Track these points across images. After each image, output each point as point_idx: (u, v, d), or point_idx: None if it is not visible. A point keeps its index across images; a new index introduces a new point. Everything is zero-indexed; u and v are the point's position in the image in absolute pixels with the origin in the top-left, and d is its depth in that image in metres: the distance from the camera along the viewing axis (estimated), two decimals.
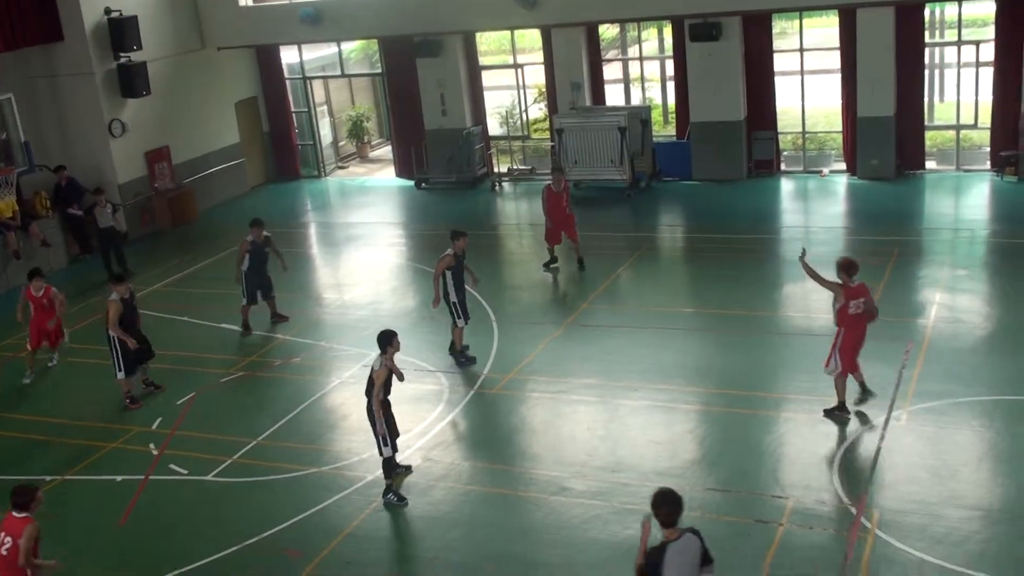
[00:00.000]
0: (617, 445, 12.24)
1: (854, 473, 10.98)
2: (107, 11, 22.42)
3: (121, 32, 22.43)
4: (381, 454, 11.39)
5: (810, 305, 15.61)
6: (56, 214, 21.82)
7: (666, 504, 7.22)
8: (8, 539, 8.76)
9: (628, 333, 15.30)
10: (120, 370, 14.35)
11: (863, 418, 12.06)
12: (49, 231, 21.35)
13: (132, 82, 22.72)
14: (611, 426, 12.76)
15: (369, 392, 11.22)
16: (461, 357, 14.84)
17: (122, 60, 22.71)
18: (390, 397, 11.33)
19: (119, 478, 12.61)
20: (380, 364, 11.12)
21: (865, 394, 12.14)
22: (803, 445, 11.79)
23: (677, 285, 17.99)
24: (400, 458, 11.88)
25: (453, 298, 14.54)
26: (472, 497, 11.48)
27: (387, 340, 11.18)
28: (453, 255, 14.41)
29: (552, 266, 18.32)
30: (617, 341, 15.04)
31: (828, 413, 12.19)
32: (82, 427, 14.06)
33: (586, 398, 13.44)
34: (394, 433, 11.39)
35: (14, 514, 8.88)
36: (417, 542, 10.85)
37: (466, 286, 14.74)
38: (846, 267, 11.72)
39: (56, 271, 21.33)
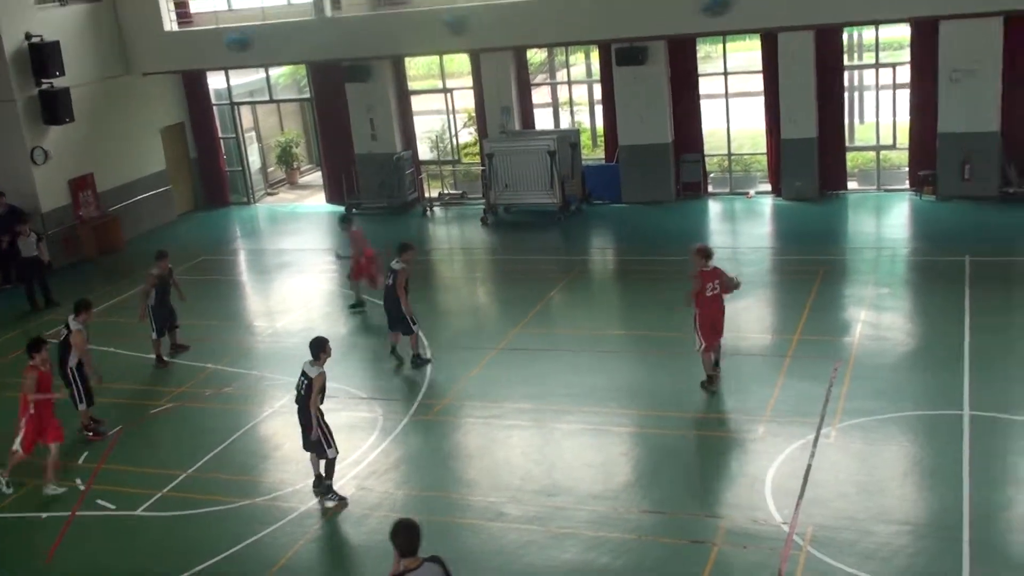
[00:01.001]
0: (552, 469, 12.27)
1: (786, 491, 11.15)
2: (28, 36, 22.04)
3: (42, 57, 22.06)
4: (325, 456, 11.71)
5: (740, 325, 15.83)
6: None
7: (402, 533, 7.25)
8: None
9: (561, 356, 15.38)
10: (81, 402, 14.14)
11: (785, 435, 12.26)
12: None
13: (55, 108, 22.34)
14: (546, 450, 12.80)
15: (306, 398, 11.48)
16: (420, 360, 15.39)
17: (44, 86, 22.31)
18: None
19: (44, 515, 12.30)
20: (315, 371, 11.44)
21: (717, 367, 13.66)
22: (735, 464, 11.95)
23: (609, 308, 18.14)
24: (336, 486, 11.85)
25: (405, 308, 15.16)
26: None
27: (320, 346, 11.56)
28: (405, 268, 15.15)
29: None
30: (550, 365, 15.09)
31: (702, 385, 13.61)
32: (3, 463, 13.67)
33: (520, 422, 13.46)
34: (332, 434, 11.75)
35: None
36: (352, 571, 10.75)
37: None
38: (702, 253, 13.34)
39: None
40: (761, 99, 22.90)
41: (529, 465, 12.38)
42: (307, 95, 27.53)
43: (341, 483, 12.19)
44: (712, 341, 13.44)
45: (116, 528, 11.93)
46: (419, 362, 15.42)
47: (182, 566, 10.83)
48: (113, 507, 12.30)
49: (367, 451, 13.05)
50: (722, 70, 23.38)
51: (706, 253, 13.37)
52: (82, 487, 12.86)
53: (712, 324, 13.35)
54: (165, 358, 16.58)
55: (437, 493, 11.96)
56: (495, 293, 18.88)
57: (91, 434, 14.25)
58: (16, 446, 12.72)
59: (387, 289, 15.33)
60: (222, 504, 12.14)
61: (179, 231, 25.06)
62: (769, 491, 11.17)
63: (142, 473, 13.05)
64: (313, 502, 11.90)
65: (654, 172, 23.26)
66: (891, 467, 11.59)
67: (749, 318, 16.31)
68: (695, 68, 23.13)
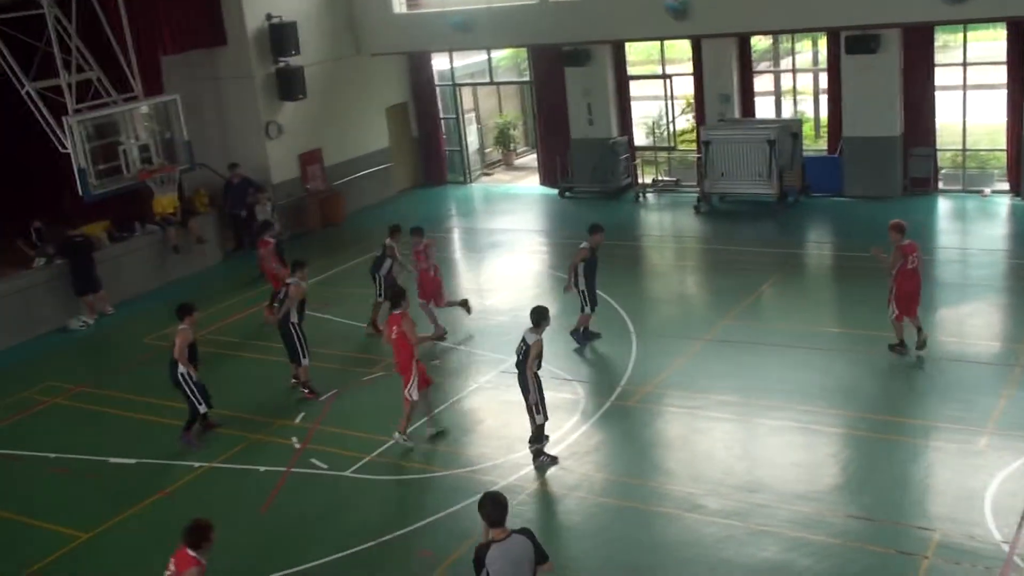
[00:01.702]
0: (755, 465, 11.97)
1: (1008, 509, 10.44)
2: (268, 17, 23.24)
3: (281, 37, 23.23)
4: (534, 422, 12.26)
5: (964, 331, 14.98)
6: (216, 211, 22.74)
7: (488, 505, 7.52)
8: (172, 569, 8.45)
9: (770, 351, 14.96)
10: (305, 357, 14.87)
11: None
12: (205, 228, 22.26)
13: (289, 85, 23.50)
14: (749, 445, 12.49)
15: (524, 363, 11.99)
16: (580, 337, 15.63)
17: (280, 64, 23.51)
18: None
19: (262, 468, 13.01)
20: (534, 337, 11.99)
21: (920, 335, 14.07)
22: (952, 476, 11.29)
23: (823, 303, 17.48)
24: (544, 448, 12.31)
25: (582, 286, 15.44)
26: (604, 509, 11.40)
27: (540, 315, 12.12)
28: (589, 248, 15.37)
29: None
30: (758, 359, 14.71)
31: (891, 348, 14.26)
32: (230, 417, 14.55)
33: (724, 415, 13.19)
34: (544, 402, 12.25)
35: (188, 552, 8.38)
36: (546, 549, 10.79)
37: None
38: (897, 228, 13.88)
39: (211, 267, 22.27)
40: (1003, 92, 21.47)
41: (731, 459, 12.12)
42: (527, 78, 27.84)
43: (541, 459, 12.32)
44: (908, 312, 14.02)
45: (326, 487, 12.47)
46: (581, 339, 15.70)
47: (383, 529, 11.23)
48: (325, 467, 12.88)
49: (568, 432, 13.11)
50: (961, 60, 22.05)
51: (901, 228, 13.94)
52: (298, 445, 13.52)
53: (909, 295, 13.92)
54: (380, 327, 17.15)
55: (635, 480, 11.89)
56: (705, 283, 18.56)
57: (307, 391, 14.93)
58: (409, 393, 13.00)
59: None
60: (425, 473, 12.51)
61: (398, 207, 25.90)
62: (989, 507, 10.49)
63: (353, 436, 13.60)
64: (512, 477, 12.07)
65: (880, 165, 22.22)
66: None
67: (976, 324, 15.37)
68: (932, 58, 21.91)
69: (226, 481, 12.88)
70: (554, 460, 12.32)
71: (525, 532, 7.58)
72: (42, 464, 13.76)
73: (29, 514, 12.50)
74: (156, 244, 21.45)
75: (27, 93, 18.06)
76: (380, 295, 16.95)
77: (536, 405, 12.15)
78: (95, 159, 18.58)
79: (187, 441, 13.78)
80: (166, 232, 21.35)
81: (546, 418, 12.29)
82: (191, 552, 8.38)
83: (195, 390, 13.65)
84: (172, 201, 20.51)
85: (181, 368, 13.49)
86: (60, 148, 18.28)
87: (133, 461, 13.51)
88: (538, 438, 12.39)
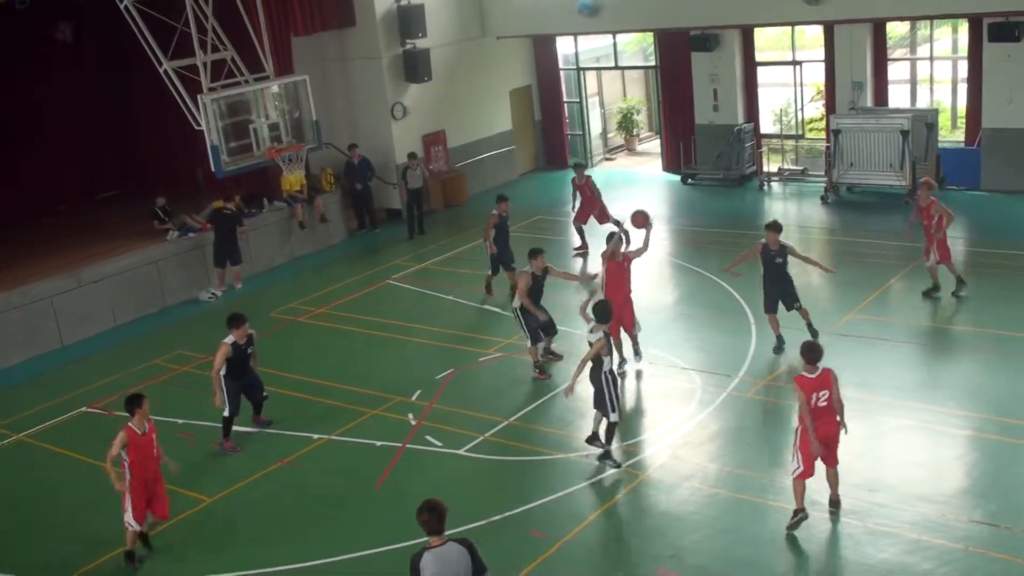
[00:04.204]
0: (876, 463, 11.63)
1: None
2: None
3: (409, 19, 23.48)
4: (609, 419, 11.89)
5: None
6: (339, 190, 23.20)
7: (424, 513, 7.41)
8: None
9: (896, 347, 14.51)
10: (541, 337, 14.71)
11: None
12: (330, 207, 22.73)
13: (415, 67, 23.76)
14: (870, 443, 12.13)
15: (594, 359, 11.78)
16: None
17: (407, 46, 23.78)
18: None
19: (378, 443, 13.24)
20: (594, 337, 11.83)
21: (959, 283, 15.96)
22: None
23: (953, 301, 16.84)
24: (647, 452, 11.98)
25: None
26: (717, 500, 11.25)
27: (604, 311, 11.89)
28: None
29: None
30: (883, 355, 14.28)
31: (924, 294, 16.07)
32: (349, 392, 14.85)
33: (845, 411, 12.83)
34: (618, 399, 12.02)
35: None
36: (657, 539, 10.73)
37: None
38: (928, 186, 15.97)
39: (335, 244, 22.74)
40: None
41: (850, 456, 11.72)
42: (652, 63, 27.54)
43: (656, 449, 12.24)
44: (947, 260, 15.87)
45: (440, 464, 12.63)
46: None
47: (495, 509, 11.31)
48: (440, 444, 13.03)
49: (683, 421, 12.98)
50: None
51: (931, 186, 15.84)
52: (413, 422, 13.72)
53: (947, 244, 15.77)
54: (492, 290, 18.01)
55: (750, 472, 11.70)
56: (829, 275, 18.04)
57: (539, 372, 14.78)
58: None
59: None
60: (538, 455, 12.54)
61: (518, 190, 25.95)
62: None
63: (468, 416, 13.72)
64: (626, 464, 12.01)
65: (1023, 159, 21.29)
66: None
67: None
68: None
69: (343, 454, 13.15)
70: (617, 466, 11.94)
71: (464, 542, 7.50)
72: (170, 429, 14.27)
73: None
74: (283, 221, 22.01)
75: (165, 72, 18.69)
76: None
77: (613, 403, 11.80)
78: (227, 137, 19.14)
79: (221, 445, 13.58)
80: (293, 209, 21.88)
81: (619, 418, 11.94)
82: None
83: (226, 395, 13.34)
84: (299, 179, 20.99)
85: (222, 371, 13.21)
86: (195, 125, 18.87)
87: (255, 430, 13.91)
88: (610, 439, 12.03)
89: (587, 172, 21.24)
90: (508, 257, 17.93)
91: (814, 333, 14.34)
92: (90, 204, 24.47)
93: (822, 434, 10.20)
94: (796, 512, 10.34)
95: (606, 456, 12.01)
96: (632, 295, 14.63)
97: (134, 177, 25.32)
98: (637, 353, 14.70)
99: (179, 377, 16.29)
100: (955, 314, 15.94)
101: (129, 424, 10.93)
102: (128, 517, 10.87)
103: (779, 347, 14.71)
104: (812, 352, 10.36)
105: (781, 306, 14.73)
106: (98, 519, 12.04)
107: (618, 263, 14.44)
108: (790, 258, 14.64)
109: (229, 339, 13.15)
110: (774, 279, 14.68)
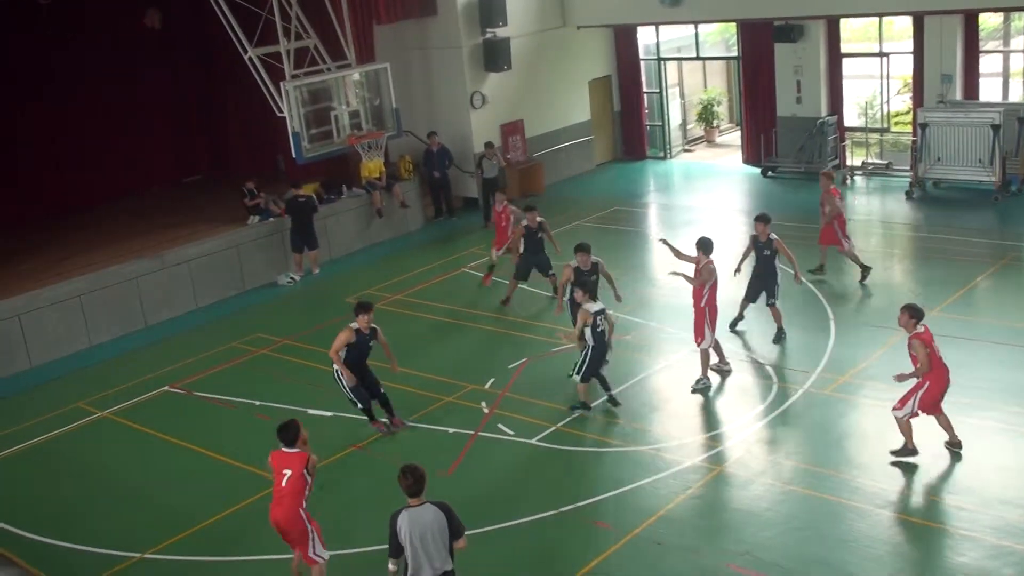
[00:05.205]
0: (956, 465, 11.35)
1: None
2: None
3: (489, 8, 23.49)
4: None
5: None
6: (418, 177, 23.35)
7: (409, 476, 8.04)
8: (287, 472, 9.53)
9: (981, 348, 14.13)
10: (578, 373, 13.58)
11: None
12: (408, 194, 22.89)
13: (495, 56, 23.77)
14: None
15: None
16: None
17: (487, 35, 23.80)
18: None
19: (451, 430, 13.32)
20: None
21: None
22: None
23: None
24: (721, 448, 11.91)
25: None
26: (791, 497, 11.09)
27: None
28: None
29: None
30: (967, 355, 13.89)
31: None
32: (424, 379, 14.95)
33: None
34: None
35: (284, 450, 9.63)
36: (729, 534, 10.61)
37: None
38: None
39: (413, 232, 22.91)
40: None
41: (929, 457, 11.52)
42: (734, 53, 27.18)
43: (730, 444, 12.16)
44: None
45: (511, 453, 12.66)
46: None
47: (564, 499, 11.30)
48: (512, 433, 13.06)
49: (758, 416, 12.83)
50: None
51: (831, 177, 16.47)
52: (486, 410, 13.77)
53: None
54: (511, 300, 17.67)
55: (825, 470, 11.51)
56: (913, 272, 17.68)
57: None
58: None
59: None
60: (609, 447, 12.50)
61: (596, 180, 25.86)
62: None
63: (541, 406, 13.72)
64: (698, 459, 11.92)
65: None
66: None
67: None
68: None
69: (416, 440, 13.25)
70: (587, 409, 13.20)
71: (441, 505, 8.12)
72: (249, 410, 14.54)
73: (234, 456, 13.28)
74: (361, 207, 22.23)
75: (249, 59, 18.99)
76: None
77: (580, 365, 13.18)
78: (308, 124, 19.38)
79: (378, 428, 13.62)
80: (372, 196, 22.09)
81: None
82: (289, 449, 9.55)
83: (348, 393, 13.25)
84: (378, 166, 21.17)
85: (335, 367, 13.11)
86: (277, 112, 19.14)
87: (329, 414, 14.08)
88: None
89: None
90: (545, 263, 17.46)
91: (781, 335, 14.93)
92: (178, 187, 25.08)
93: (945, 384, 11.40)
94: (908, 449, 11.42)
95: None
96: (703, 306, 14.05)
97: (219, 163, 25.86)
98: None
99: (257, 359, 16.57)
100: None
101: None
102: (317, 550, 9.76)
103: (778, 337, 15.00)
104: (917, 311, 11.55)
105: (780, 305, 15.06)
106: (175, 497, 12.32)
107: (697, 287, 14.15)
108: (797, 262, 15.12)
109: (354, 324, 12.99)
110: (760, 271, 15.18)
